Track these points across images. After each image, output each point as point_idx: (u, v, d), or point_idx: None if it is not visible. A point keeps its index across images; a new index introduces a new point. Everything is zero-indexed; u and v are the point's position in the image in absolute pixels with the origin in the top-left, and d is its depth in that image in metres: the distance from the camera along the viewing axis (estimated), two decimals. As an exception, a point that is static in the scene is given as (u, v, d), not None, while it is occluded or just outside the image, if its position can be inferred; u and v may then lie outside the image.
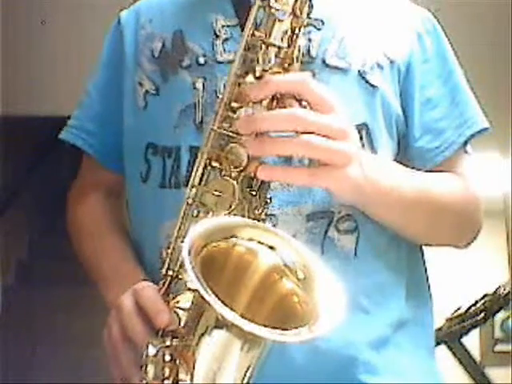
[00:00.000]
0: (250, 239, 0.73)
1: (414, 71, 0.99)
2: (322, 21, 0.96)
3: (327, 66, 0.95)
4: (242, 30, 0.95)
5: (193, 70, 0.97)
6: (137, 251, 1.00)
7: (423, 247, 1.03)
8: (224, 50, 0.96)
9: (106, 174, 1.09)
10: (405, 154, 0.98)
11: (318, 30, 0.95)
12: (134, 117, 1.01)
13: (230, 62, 0.94)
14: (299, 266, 0.73)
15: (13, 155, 4.04)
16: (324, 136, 0.77)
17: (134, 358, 0.79)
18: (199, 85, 0.95)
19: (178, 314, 0.77)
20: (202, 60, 0.96)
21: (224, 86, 0.93)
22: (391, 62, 0.98)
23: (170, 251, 0.81)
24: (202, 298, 0.64)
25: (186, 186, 0.92)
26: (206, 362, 0.69)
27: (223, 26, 0.97)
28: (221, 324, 0.67)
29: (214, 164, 0.79)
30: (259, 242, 0.73)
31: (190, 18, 1.00)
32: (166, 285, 0.80)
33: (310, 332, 0.67)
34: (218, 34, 0.97)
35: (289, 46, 0.80)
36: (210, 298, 0.64)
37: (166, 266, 0.81)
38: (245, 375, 0.69)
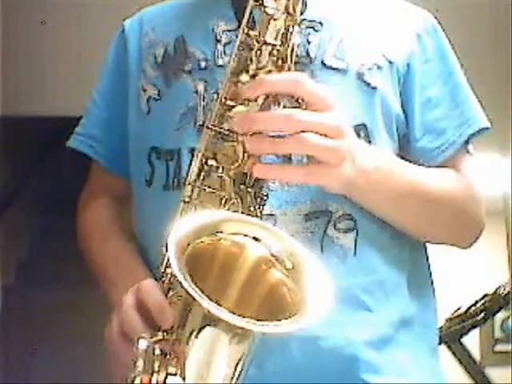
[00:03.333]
0: (235, 233, 0.73)
1: (414, 72, 0.99)
2: (320, 22, 0.97)
3: (326, 66, 0.95)
4: (242, 33, 0.96)
5: (194, 74, 0.98)
6: (143, 254, 1.01)
7: (427, 245, 1.04)
8: (224, 53, 0.97)
9: (112, 180, 1.12)
10: (406, 153, 0.98)
11: (317, 31, 0.96)
12: (138, 122, 1.03)
13: None
14: (286, 255, 0.73)
15: (13, 155, 4.03)
16: (321, 135, 0.78)
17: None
18: (200, 88, 0.97)
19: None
20: (203, 64, 0.98)
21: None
22: (390, 62, 0.98)
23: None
24: (189, 294, 0.65)
25: (187, 187, 0.93)
26: (196, 357, 0.69)
27: (224, 31, 0.98)
28: (209, 319, 0.67)
29: (211, 162, 0.80)
30: (244, 235, 0.74)
31: (191, 24, 1.02)
32: (165, 283, 0.80)
33: (298, 323, 0.67)
34: (218, 38, 0.98)
35: (282, 44, 0.80)
36: (196, 294, 0.65)
37: (165, 264, 0.81)
38: (236, 368, 0.70)
